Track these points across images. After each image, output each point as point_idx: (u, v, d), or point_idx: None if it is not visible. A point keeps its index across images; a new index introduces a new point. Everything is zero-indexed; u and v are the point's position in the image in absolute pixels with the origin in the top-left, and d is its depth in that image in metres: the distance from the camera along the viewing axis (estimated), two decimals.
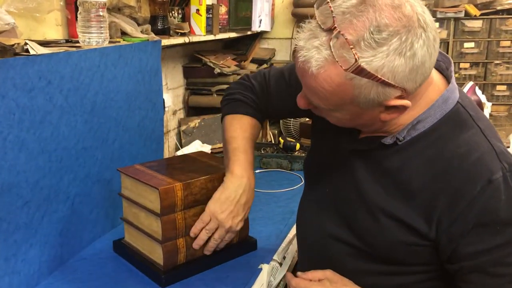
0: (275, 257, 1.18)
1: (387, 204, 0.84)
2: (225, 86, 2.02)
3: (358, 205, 0.89)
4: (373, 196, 0.86)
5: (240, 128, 1.10)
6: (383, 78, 0.72)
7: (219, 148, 1.96)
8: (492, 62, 2.35)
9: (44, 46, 1.11)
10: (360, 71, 0.70)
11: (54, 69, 1.03)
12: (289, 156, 1.82)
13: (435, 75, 0.84)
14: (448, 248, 0.80)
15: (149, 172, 1.12)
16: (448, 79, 0.85)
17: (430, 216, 0.80)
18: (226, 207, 1.04)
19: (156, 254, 1.08)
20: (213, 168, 1.15)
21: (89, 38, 1.18)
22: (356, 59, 0.69)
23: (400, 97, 0.76)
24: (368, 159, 0.88)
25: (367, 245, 0.88)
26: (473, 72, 2.41)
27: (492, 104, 2.31)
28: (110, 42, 1.29)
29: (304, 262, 1.05)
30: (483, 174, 0.77)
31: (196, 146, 1.92)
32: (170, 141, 1.95)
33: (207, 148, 1.94)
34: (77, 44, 1.21)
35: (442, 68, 0.86)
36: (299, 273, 0.94)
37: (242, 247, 1.19)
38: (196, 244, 1.08)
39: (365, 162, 0.89)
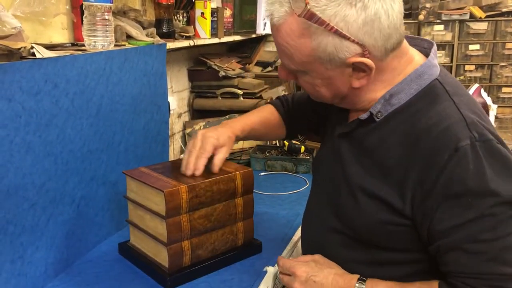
0: None
1: (365, 182, 0.86)
2: (229, 89, 2.02)
3: (342, 189, 0.91)
4: (354, 177, 0.88)
5: (257, 111, 1.24)
6: (336, 27, 0.77)
7: None
8: (498, 64, 2.35)
9: (50, 50, 1.11)
10: (311, 15, 0.76)
11: (60, 73, 1.04)
12: (294, 158, 1.82)
13: (416, 55, 0.88)
14: (424, 226, 0.80)
15: (154, 174, 1.12)
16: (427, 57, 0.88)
17: (404, 191, 0.81)
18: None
19: (161, 256, 1.08)
20: (219, 171, 1.15)
21: (95, 42, 1.19)
22: (306, 3, 0.76)
23: (361, 55, 0.80)
24: (352, 140, 0.91)
25: (351, 228, 0.90)
26: (478, 74, 2.40)
27: (498, 106, 2.30)
28: (115, 45, 1.29)
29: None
30: (450, 142, 0.77)
31: None
32: (175, 143, 1.96)
33: None
34: (83, 48, 1.21)
35: (424, 49, 0.90)
36: (290, 258, 0.96)
37: (247, 250, 1.19)
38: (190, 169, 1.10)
39: (349, 144, 0.91)
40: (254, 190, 1.47)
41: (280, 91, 2.19)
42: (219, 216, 1.12)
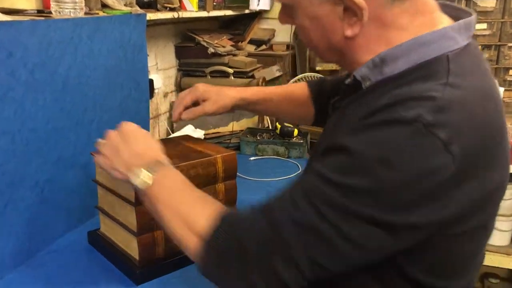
0: None
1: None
2: (219, 67, 1.90)
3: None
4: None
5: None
6: None
7: (213, 133, 1.85)
8: (506, 44, 2.21)
9: (10, 15, 0.99)
10: None
11: (16, 40, 0.92)
12: (286, 142, 1.70)
13: (446, 23, 0.70)
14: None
15: None
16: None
17: None
18: None
19: (131, 247, 0.97)
20: (198, 154, 1.03)
21: (61, 8, 1.06)
22: None
23: None
24: (338, 113, 0.77)
25: None
26: (484, 55, 2.28)
27: (504, 90, 2.18)
28: (87, 13, 1.17)
29: None
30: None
31: (188, 131, 1.81)
32: (161, 125, 1.84)
33: (200, 133, 1.82)
34: (50, 15, 1.09)
35: (456, 18, 0.71)
36: None
37: None
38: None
39: (336, 117, 0.78)
40: (241, 175, 1.36)
41: (275, 70, 2.06)
42: None
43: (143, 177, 0.76)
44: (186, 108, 1.09)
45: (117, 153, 0.80)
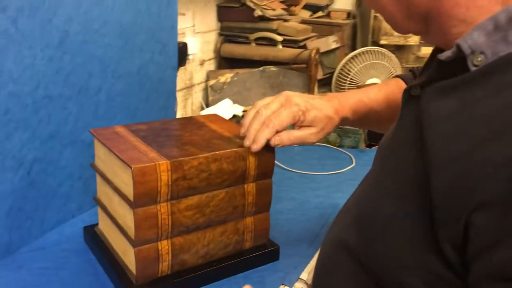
0: (302, 275, 0.82)
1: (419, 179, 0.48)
2: (266, 34, 1.62)
3: (383, 184, 0.55)
4: (406, 167, 0.51)
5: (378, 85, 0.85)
6: None
7: None
8: None
9: None
10: None
11: None
12: (339, 128, 1.42)
13: None
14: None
15: (130, 139, 0.77)
16: None
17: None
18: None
19: (129, 258, 0.75)
20: (224, 142, 0.78)
21: None
22: None
23: None
24: (420, 105, 0.51)
25: (370, 255, 0.53)
26: None
27: None
28: None
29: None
30: None
31: (225, 106, 1.56)
32: (195, 97, 1.60)
33: (238, 110, 1.58)
34: None
35: None
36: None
37: (257, 257, 0.83)
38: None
39: (415, 111, 0.52)
40: (281, 165, 1.10)
41: (331, 41, 1.77)
42: (218, 207, 0.77)
43: None
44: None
45: None
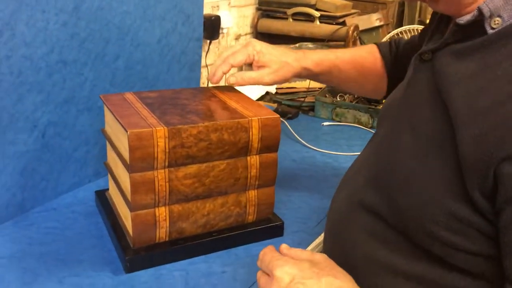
0: None
1: (442, 138, 0.52)
2: (304, 9, 1.58)
3: (401, 144, 0.57)
4: (424, 127, 0.54)
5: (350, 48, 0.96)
6: None
7: (286, 88, 1.56)
8: None
9: None
10: None
11: None
12: (372, 109, 1.37)
13: None
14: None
15: (136, 106, 0.78)
16: None
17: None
18: None
19: (128, 222, 0.76)
20: (228, 112, 0.77)
21: None
22: None
23: None
24: (435, 67, 0.56)
25: (395, 210, 0.55)
26: None
27: None
28: None
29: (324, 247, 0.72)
30: None
31: None
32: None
33: (271, 87, 1.55)
34: None
35: None
36: (282, 246, 0.62)
37: (260, 230, 0.82)
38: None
39: (430, 73, 0.57)
40: (306, 143, 1.13)
41: (374, 19, 1.69)
42: (218, 178, 0.76)
43: None
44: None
45: None
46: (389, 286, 0.55)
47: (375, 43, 0.93)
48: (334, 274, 0.54)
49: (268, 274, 0.57)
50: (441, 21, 0.63)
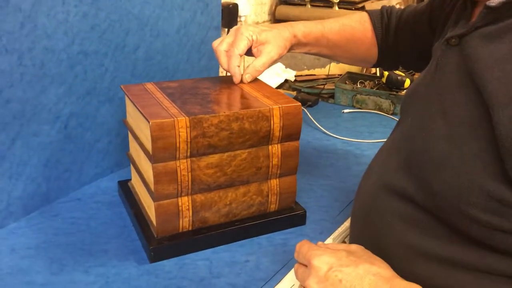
0: (327, 241, 0.79)
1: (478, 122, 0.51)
2: None
3: (434, 129, 0.56)
4: (457, 111, 0.54)
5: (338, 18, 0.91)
6: None
7: (306, 75, 1.55)
8: None
9: None
10: None
11: None
12: (393, 95, 1.35)
13: None
14: None
15: (157, 95, 0.78)
16: None
17: None
18: None
19: (152, 211, 0.76)
20: (249, 101, 0.77)
21: None
22: None
23: None
24: (465, 51, 0.55)
25: (430, 196, 0.54)
26: None
27: None
28: None
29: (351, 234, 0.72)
30: None
31: (276, 70, 1.53)
32: (246, 60, 1.58)
33: (290, 74, 1.54)
34: None
35: None
36: (319, 243, 0.62)
37: (282, 219, 0.82)
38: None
39: (459, 57, 0.56)
40: (325, 131, 1.14)
41: (394, 4, 1.66)
42: (240, 167, 0.75)
43: None
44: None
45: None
46: (422, 271, 0.54)
47: (366, 11, 0.93)
48: (372, 261, 0.55)
49: (305, 265, 0.58)
50: (464, 6, 0.62)
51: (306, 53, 0.91)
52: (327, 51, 0.91)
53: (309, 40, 0.87)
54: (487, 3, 0.53)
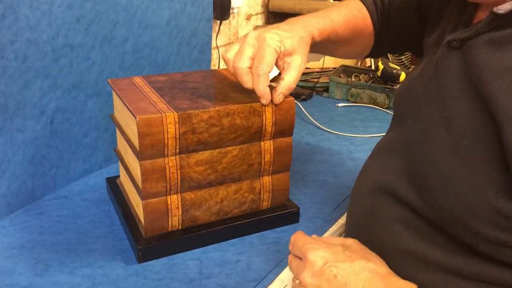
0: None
1: (481, 131, 0.49)
2: None
3: (436, 137, 0.53)
4: (460, 119, 0.51)
5: (336, 7, 0.80)
6: None
7: None
8: None
9: None
10: None
11: None
12: (388, 89, 1.32)
13: None
14: None
15: (145, 89, 0.75)
16: None
17: None
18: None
19: (140, 210, 0.74)
20: (241, 96, 0.74)
21: None
22: None
23: None
24: (468, 56, 0.52)
25: (432, 205, 0.53)
26: None
27: None
28: None
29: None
30: None
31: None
32: None
33: None
34: None
35: None
36: (314, 236, 0.61)
37: (275, 217, 0.79)
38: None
39: (462, 62, 0.53)
40: (319, 125, 1.11)
41: None
42: (231, 164, 0.73)
43: None
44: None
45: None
46: (422, 277, 0.52)
47: (363, 1, 0.83)
48: (367, 257, 0.54)
49: (300, 258, 0.57)
50: (465, 6, 0.59)
51: (312, 52, 0.80)
52: (332, 47, 0.83)
53: (323, 39, 0.76)
54: (495, 10, 0.50)
